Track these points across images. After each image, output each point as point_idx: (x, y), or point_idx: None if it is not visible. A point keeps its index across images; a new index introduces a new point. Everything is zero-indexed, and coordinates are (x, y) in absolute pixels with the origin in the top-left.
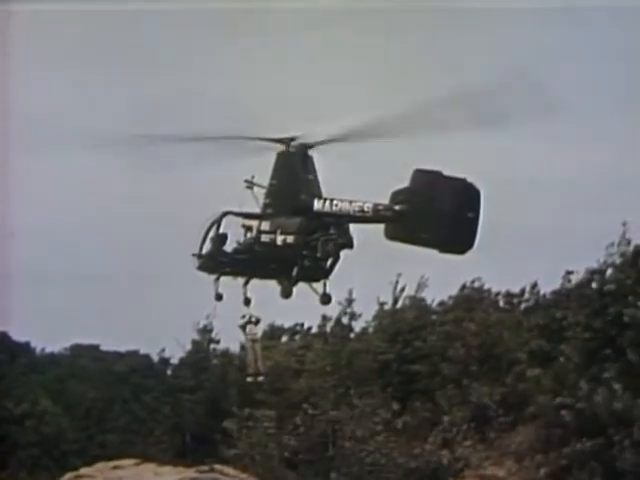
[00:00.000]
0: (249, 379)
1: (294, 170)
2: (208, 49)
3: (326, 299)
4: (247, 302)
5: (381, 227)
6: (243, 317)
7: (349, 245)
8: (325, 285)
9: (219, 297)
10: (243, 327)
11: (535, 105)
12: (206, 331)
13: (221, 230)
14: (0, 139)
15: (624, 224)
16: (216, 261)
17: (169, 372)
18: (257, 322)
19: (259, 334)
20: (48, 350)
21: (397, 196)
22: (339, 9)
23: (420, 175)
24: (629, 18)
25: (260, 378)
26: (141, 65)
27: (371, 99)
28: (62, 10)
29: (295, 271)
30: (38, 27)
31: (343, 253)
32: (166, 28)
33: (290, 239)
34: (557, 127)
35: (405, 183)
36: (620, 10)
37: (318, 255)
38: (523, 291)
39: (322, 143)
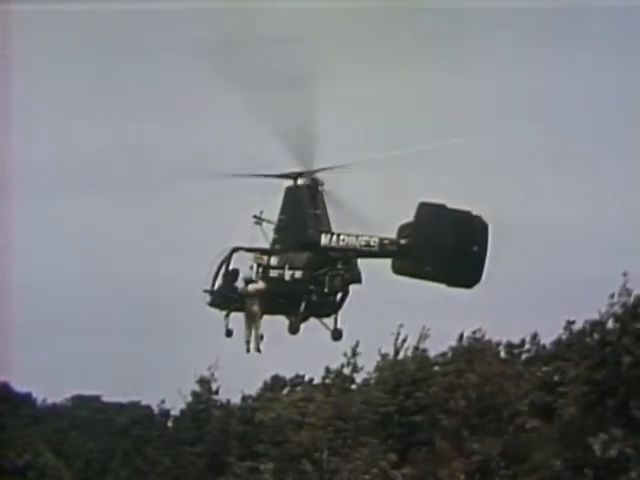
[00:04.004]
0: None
1: (302, 205)
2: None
3: (337, 334)
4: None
5: (383, 276)
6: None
7: (357, 280)
8: (336, 320)
9: (229, 333)
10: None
11: None
12: (207, 382)
13: (231, 266)
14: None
15: (625, 274)
16: (226, 297)
17: (170, 424)
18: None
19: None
20: (49, 401)
21: (403, 230)
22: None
23: (424, 208)
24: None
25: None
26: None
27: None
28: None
29: (302, 306)
30: (38, 27)
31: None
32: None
33: (298, 274)
34: (562, 179)
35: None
36: None
37: (325, 290)
38: (523, 342)
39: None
